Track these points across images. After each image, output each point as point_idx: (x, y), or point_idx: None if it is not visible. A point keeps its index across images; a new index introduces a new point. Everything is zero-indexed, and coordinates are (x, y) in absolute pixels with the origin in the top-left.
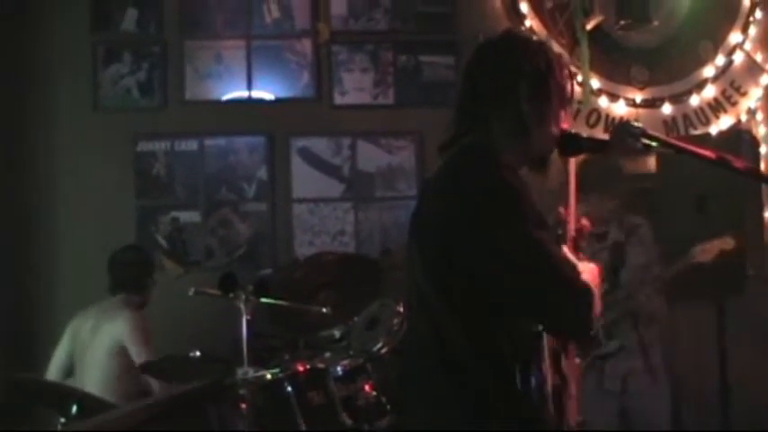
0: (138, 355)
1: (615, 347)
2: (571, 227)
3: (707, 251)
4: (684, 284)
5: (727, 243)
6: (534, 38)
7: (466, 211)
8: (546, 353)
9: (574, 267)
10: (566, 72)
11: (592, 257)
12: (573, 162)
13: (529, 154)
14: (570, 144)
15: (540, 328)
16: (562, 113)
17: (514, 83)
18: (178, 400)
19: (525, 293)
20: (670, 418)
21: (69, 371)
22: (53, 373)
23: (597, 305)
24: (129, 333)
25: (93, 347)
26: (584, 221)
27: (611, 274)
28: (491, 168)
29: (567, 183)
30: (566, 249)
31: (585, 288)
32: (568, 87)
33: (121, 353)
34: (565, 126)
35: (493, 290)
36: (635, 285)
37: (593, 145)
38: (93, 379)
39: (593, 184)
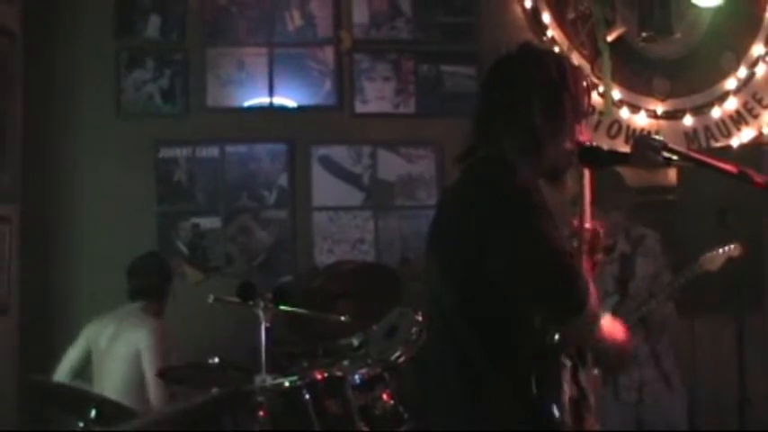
0: (150, 366)
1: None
2: (586, 238)
3: (714, 259)
4: (704, 298)
5: (735, 250)
6: (551, 50)
7: (484, 221)
8: (563, 363)
9: (580, 273)
10: (582, 85)
11: (601, 270)
12: (587, 174)
13: (543, 167)
14: (591, 157)
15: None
16: (577, 127)
17: (527, 97)
18: (196, 411)
19: (528, 280)
20: (687, 428)
21: (78, 373)
22: (61, 373)
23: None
24: (149, 343)
25: (113, 354)
26: (597, 227)
27: (620, 285)
28: (508, 178)
29: (581, 194)
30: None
31: (583, 283)
32: (584, 100)
33: (141, 360)
34: (584, 138)
35: (507, 289)
36: (644, 295)
37: (613, 158)
38: (113, 385)
39: (596, 197)
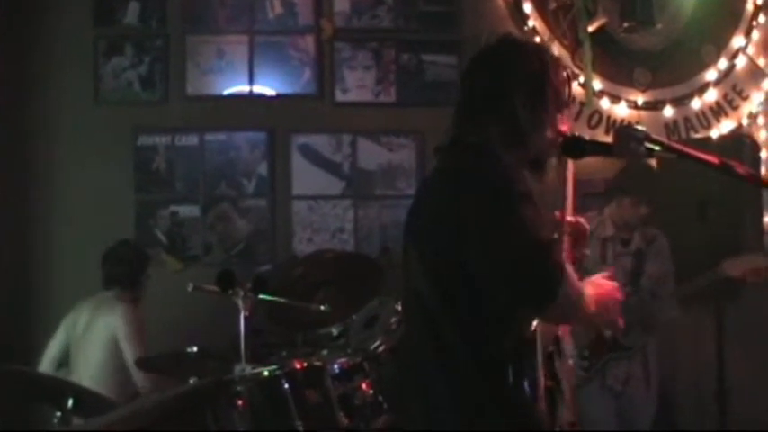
0: (128, 353)
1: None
2: (567, 230)
3: (737, 266)
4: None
5: (760, 261)
6: (532, 41)
7: (465, 211)
8: (539, 355)
9: (554, 261)
10: (563, 75)
11: (615, 261)
12: (570, 164)
13: (526, 157)
14: (573, 147)
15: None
16: (559, 117)
17: (510, 88)
18: (175, 402)
19: (501, 267)
20: (651, 421)
21: (61, 363)
22: (45, 364)
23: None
24: (122, 329)
25: (88, 342)
26: (581, 219)
27: (633, 279)
28: (491, 167)
29: (563, 185)
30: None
31: (554, 262)
32: (566, 91)
33: (116, 347)
34: (564, 128)
35: (483, 278)
36: (648, 294)
37: (596, 148)
38: (89, 373)
39: (630, 188)
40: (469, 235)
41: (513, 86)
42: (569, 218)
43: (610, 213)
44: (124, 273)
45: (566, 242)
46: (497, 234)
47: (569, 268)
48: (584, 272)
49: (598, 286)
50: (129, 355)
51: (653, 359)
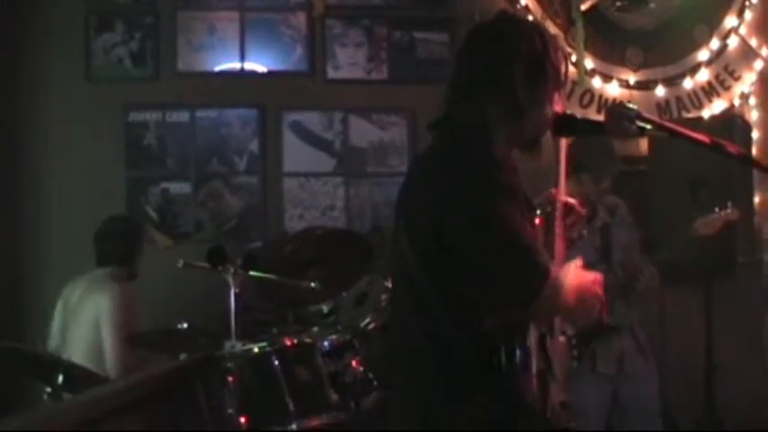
0: (107, 335)
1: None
2: (561, 206)
3: (710, 224)
4: (674, 267)
5: (732, 214)
6: (529, 19)
7: (454, 189)
8: (531, 332)
9: (535, 250)
10: (560, 54)
11: (585, 240)
12: (564, 142)
13: (522, 135)
14: (565, 125)
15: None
16: (556, 95)
17: (510, 66)
18: (166, 378)
19: (483, 266)
20: (660, 403)
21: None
22: (53, 337)
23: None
24: (108, 311)
25: (78, 318)
26: (572, 200)
27: (603, 255)
28: (483, 147)
29: (557, 163)
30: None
31: (537, 260)
32: (563, 69)
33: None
34: (558, 107)
35: (466, 263)
36: (620, 265)
37: (587, 127)
38: (80, 350)
39: (588, 163)
40: (453, 228)
41: (514, 64)
42: (562, 198)
43: (572, 192)
44: (119, 249)
45: (558, 222)
46: (480, 232)
47: (553, 263)
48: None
49: (579, 277)
50: (106, 336)
51: (641, 332)
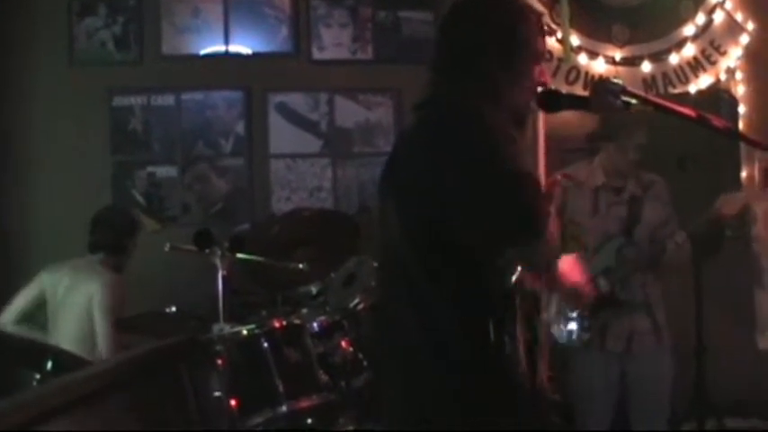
0: (98, 321)
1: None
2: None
3: (731, 202)
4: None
5: (757, 195)
6: None
7: (444, 155)
8: (518, 310)
9: (542, 196)
10: (536, 26)
11: (608, 211)
12: (542, 120)
13: (503, 111)
14: (550, 101)
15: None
16: (535, 69)
17: (481, 42)
18: (149, 358)
19: (488, 200)
20: (670, 387)
21: (26, 318)
22: (9, 315)
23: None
24: (99, 296)
25: (68, 305)
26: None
27: (626, 228)
28: (470, 117)
29: (535, 143)
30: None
31: (545, 206)
32: (540, 43)
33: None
34: (544, 80)
35: (465, 224)
36: (646, 242)
37: (572, 102)
38: (69, 337)
39: (615, 134)
40: (448, 176)
41: (485, 41)
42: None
43: (600, 161)
44: (112, 239)
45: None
46: (478, 168)
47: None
48: (578, 224)
49: (571, 266)
50: (99, 323)
51: (660, 311)
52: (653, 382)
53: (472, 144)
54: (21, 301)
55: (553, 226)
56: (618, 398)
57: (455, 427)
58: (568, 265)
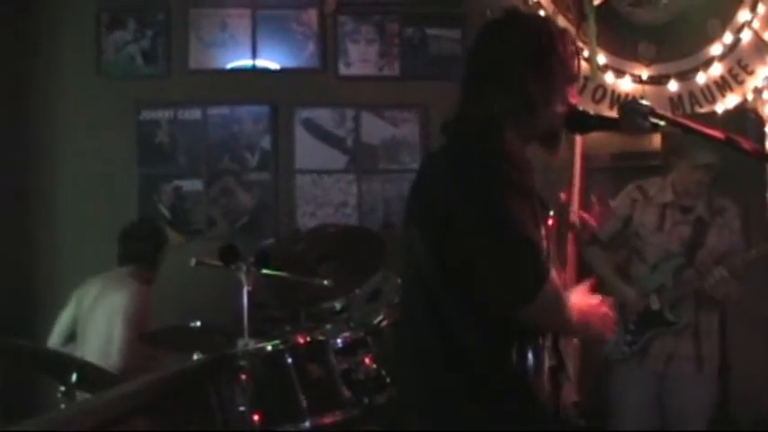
0: (120, 332)
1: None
2: (575, 209)
3: None
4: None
5: None
6: (538, 14)
7: (464, 183)
8: (542, 334)
9: (537, 252)
10: (571, 48)
11: (672, 229)
12: (579, 141)
13: (535, 132)
14: (578, 121)
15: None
16: (568, 90)
17: (517, 62)
18: (177, 379)
19: (482, 260)
20: (711, 416)
21: (70, 337)
22: (54, 338)
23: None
24: (124, 307)
25: (95, 317)
26: (587, 217)
27: (689, 250)
28: (495, 143)
29: (571, 162)
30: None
31: (538, 263)
32: (574, 64)
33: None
34: (573, 102)
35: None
36: (708, 267)
37: (601, 123)
38: (94, 348)
39: (682, 150)
40: (462, 223)
41: (520, 60)
42: (577, 196)
43: (671, 179)
44: (143, 251)
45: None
46: (485, 227)
47: (554, 274)
48: (641, 238)
49: (584, 299)
50: (118, 333)
51: (709, 340)
52: (688, 409)
53: (489, 201)
54: (60, 322)
55: (555, 288)
56: (654, 419)
57: None
58: (581, 298)
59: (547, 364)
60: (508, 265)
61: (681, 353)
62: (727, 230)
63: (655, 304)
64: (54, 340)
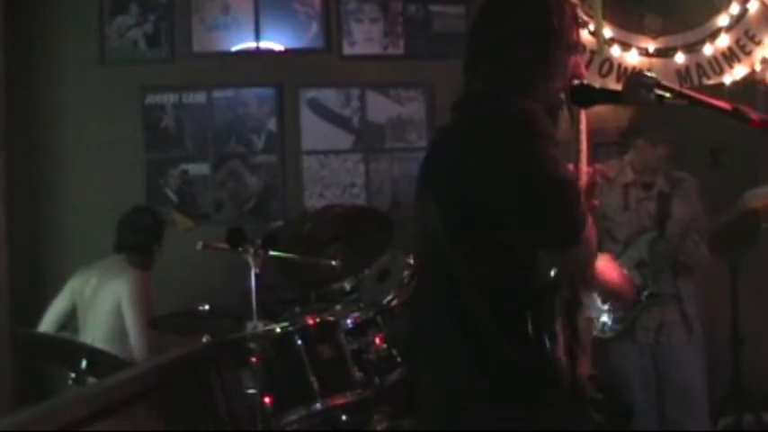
0: (129, 319)
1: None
2: (582, 183)
3: (760, 197)
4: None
5: None
6: None
7: (480, 150)
8: (558, 306)
9: (578, 202)
10: (570, 18)
11: (638, 206)
12: (584, 114)
13: (539, 104)
14: (583, 95)
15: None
16: (569, 62)
17: (512, 35)
18: (178, 364)
19: (524, 204)
20: (705, 374)
21: (63, 325)
22: (46, 325)
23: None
24: (127, 295)
25: (96, 305)
26: (597, 168)
27: (658, 223)
28: (507, 108)
29: (577, 136)
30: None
31: (579, 203)
32: (574, 35)
33: (121, 312)
34: (580, 72)
35: (504, 220)
36: (678, 237)
37: (606, 96)
38: (98, 336)
39: (644, 128)
40: (491, 175)
41: (516, 33)
42: (585, 168)
43: (630, 158)
44: (138, 240)
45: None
46: (521, 175)
47: (590, 221)
48: (610, 219)
49: (609, 267)
50: (130, 321)
51: (690, 304)
52: (683, 370)
53: (516, 148)
54: (54, 309)
55: (591, 231)
56: (654, 390)
57: (488, 422)
58: (606, 266)
59: (563, 334)
60: (553, 207)
61: (669, 320)
62: (688, 200)
63: (637, 279)
64: (45, 328)
